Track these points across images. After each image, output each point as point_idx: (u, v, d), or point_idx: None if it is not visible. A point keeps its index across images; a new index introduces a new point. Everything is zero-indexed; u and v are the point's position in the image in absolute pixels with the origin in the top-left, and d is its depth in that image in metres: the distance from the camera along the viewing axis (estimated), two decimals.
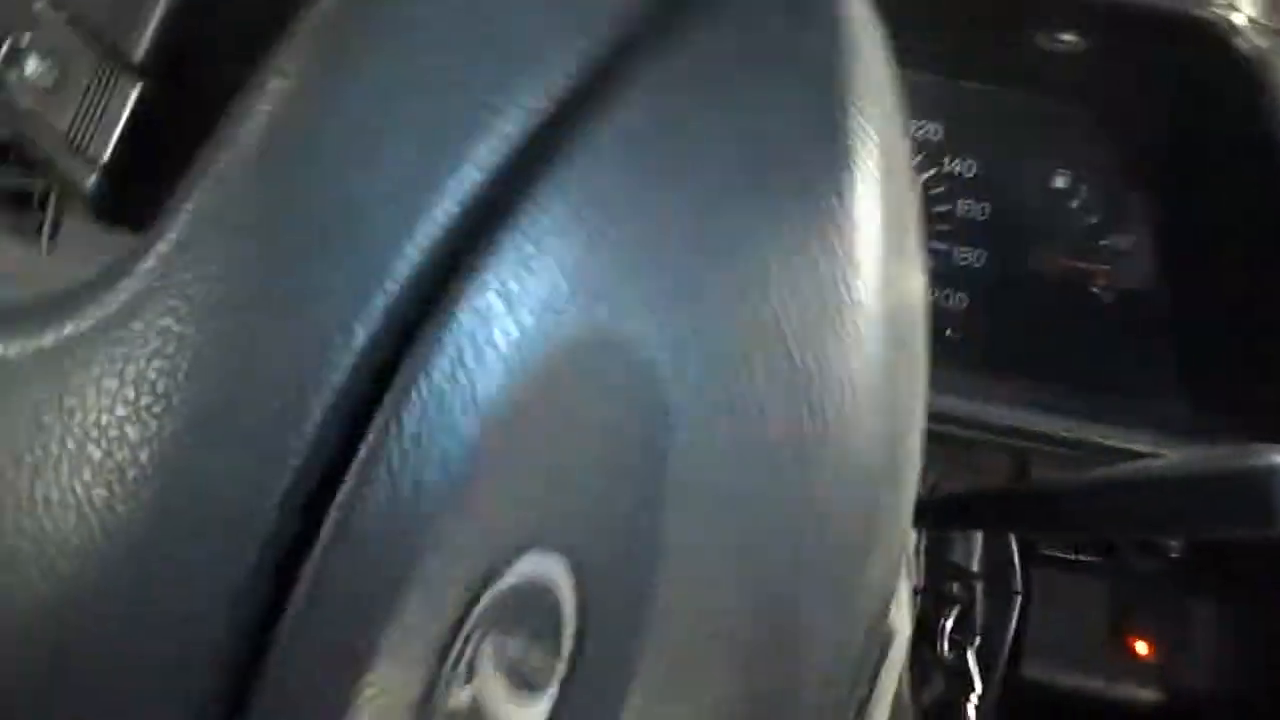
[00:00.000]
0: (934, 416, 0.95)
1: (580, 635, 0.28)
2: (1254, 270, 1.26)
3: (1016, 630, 1.35)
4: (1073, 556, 1.37)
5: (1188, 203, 1.36)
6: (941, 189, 1.46)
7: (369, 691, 0.25)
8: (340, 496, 0.25)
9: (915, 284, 0.40)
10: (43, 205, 1.18)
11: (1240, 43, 1.13)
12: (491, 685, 0.27)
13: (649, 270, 0.29)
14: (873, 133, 0.34)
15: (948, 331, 1.43)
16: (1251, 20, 1.12)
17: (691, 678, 0.31)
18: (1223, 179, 1.26)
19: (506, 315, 0.27)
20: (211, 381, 0.26)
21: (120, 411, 0.27)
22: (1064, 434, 1.26)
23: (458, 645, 0.26)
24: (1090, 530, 1.12)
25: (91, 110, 1.26)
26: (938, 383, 1.18)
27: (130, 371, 0.27)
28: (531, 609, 0.27)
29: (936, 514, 0.79)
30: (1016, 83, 1.43)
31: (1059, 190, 1.46)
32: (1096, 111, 1.40)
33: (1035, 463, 1.34)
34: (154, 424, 0.26)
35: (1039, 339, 1.45)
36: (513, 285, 0.27)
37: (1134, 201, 1.45)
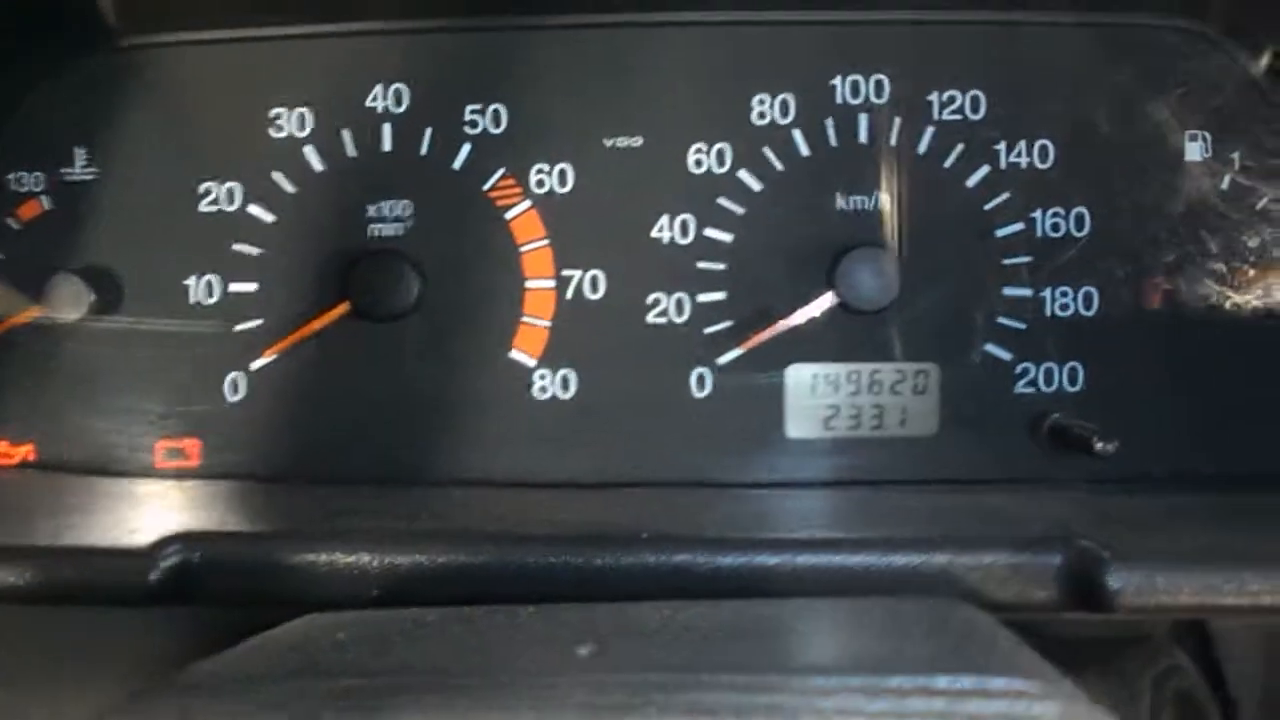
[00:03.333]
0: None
1: None
2: None
3: None
4: None
5: None
6: (1002, 197, 0.88)
7: None
8: None
9: None
10: None
11: None
12: None
13: None
14: None
15: (1079, 433, 0.84)
16: None
17: None
18: None
19: None
20: None
21: None
22: None
23: None
24: None
25: None
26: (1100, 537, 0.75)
27: None
28: None
29: None
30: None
31: (1196, 167, 0.88)
32: (1244, 30, 0.84)
33: None
34: None
35: (1206, 415, 0.87)
36: None
37: None
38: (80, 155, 0.94)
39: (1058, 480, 0.89)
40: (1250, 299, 0.89)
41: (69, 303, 0.92)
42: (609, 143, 0.92)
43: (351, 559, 0.76)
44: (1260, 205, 0.89)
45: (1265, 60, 0.89)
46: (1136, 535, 0.77)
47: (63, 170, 0.94)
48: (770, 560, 0.76)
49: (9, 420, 0.95)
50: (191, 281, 0.93)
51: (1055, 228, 0.91)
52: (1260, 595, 0.70)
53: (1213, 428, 0.89)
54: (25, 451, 0.95)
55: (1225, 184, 0.89)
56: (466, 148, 0.92)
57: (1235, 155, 0.89)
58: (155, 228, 0.94)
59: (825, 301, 0.90)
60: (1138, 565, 0.72)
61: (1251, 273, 0.88)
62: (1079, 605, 0.73)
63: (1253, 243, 0.89)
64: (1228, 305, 0.89)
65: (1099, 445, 0.84)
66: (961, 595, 0.74)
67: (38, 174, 0.94)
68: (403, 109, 0.93)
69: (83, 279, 0.91)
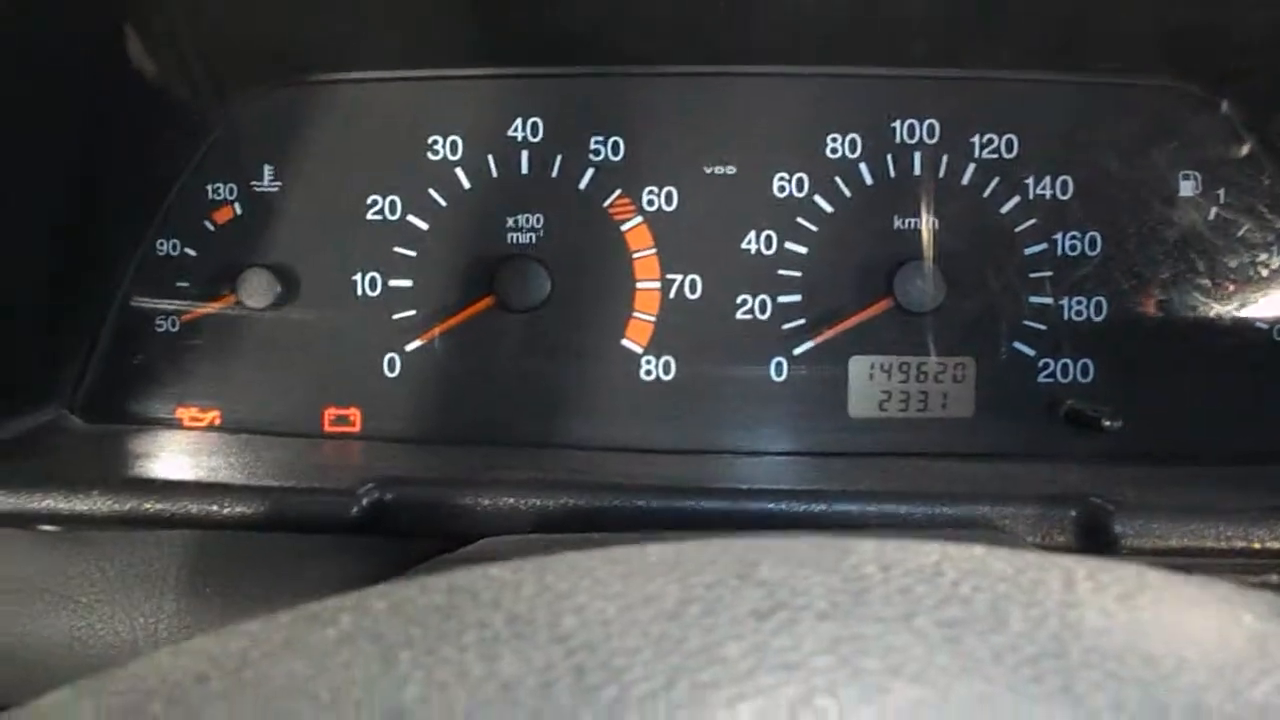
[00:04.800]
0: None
1: None
2: None
3: None
4: None
5: None
6: (1033, 224, 1.07)
7: None
8: None
9: None
10: None
11: None
12: None
13: None
14: None
15: (1088, 418, 1.01)
16: None
17: None
18: None
19: None
20: None
21: None
22: None
23: None
24: None
25: None
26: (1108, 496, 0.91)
27: None
28: None
29: None
30: (1111, 63, 1.03)
31: (1191, 202, 1.07)
32: (1224, 88, 1.02)
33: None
34: None
35: (1201, 403, 1.05)
36: None
37: None
38: (268, 170, 1.12)
39: (1074, 454, 1.08)
40: (1231, 309, 1.08)
41: (258, 292, 1.10)
42: (708, 170, 1.10)
43: (510, 501, 0.94)
44: (1240, 233, 1.08)
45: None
46: (1137, 494, 0.95)
47: (252, 182, 1.12)
48: (842, 507, 0.94)
49: (200, 390, 1.13)
50: (358, 277, 1.12)
51: (1073, 248, 1.10)
52: (1234, 540, 0.89)
53: (1199, 412, 1.08)
54: (213, 416, 1.13)
55: (1211, 215, 1.08)
56: (590, 171, 1.11)
57: (1220, 192, 1.08)
58: (329, 232, 1.12)
59: (883, 304, 1.09)
60: (1137, 516, 0.91)
61: (1232, 288, 1.07)
62: (1091, 549, 0.91)
63: (1233, 263, 1.08)
64: (1212, 314, 1.08)
65: (1106, 423, 1.03)
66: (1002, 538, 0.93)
67: (231, 185, 1.12)
68: (538, 139, 1.11)
69: (270, 273, 1.10)
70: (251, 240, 1.12)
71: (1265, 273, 1.07)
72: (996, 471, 1.05)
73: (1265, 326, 1.08)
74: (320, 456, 1.07)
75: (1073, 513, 0.92)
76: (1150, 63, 1.08)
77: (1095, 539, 0.91)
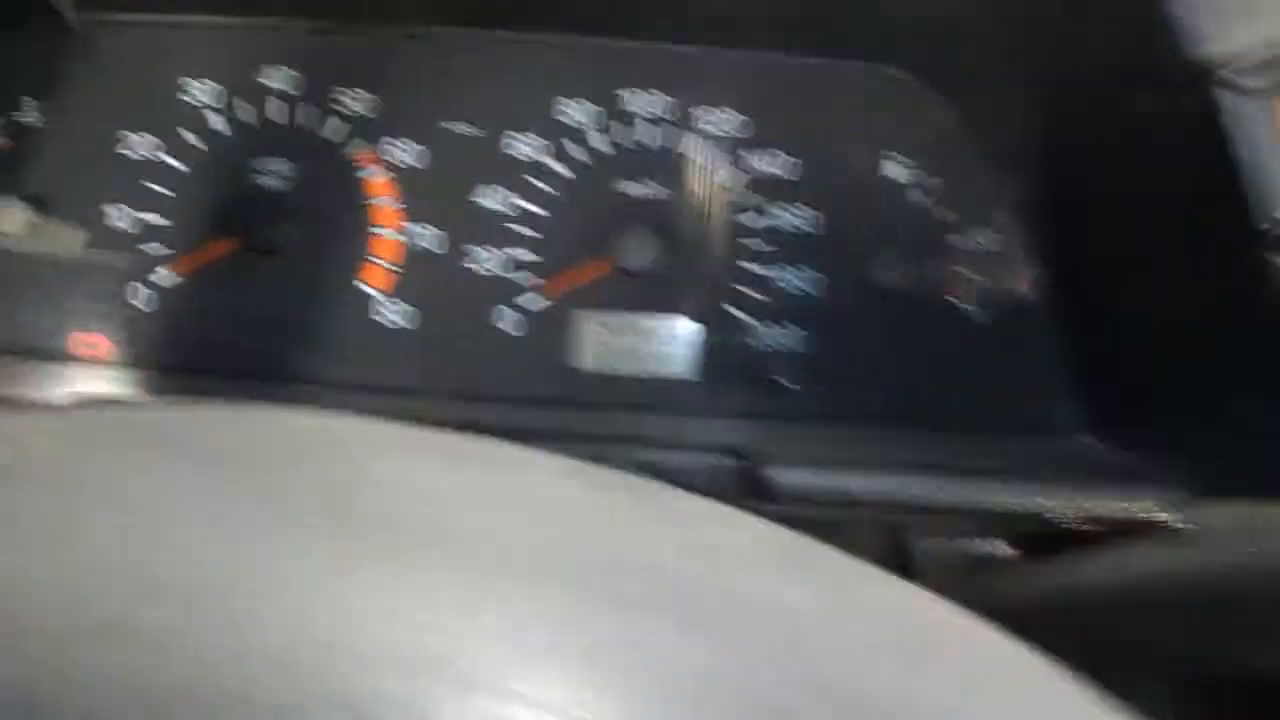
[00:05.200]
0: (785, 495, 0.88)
1: None
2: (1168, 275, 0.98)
3: None
4: None
5: (1075, 189, 1.07)
6: (752, 198, 1.14)
7: None
8: None
9: None
10: None
11: None
12: None
13: None
14: None
15: (782, 381, 1.09)
16: None
17: None
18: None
19: None
20: None
21: None
22: (948, 499, 0.96)
23: None
24: None
25: None
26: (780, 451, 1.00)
27: None
28: None
29: None
30: (838, 49, 1.10)
31: (900, 184, 1.15)
32: (942, 80, 1.10)
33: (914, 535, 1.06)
34: None
35: (898, 376, 1.13)
36: None
37: (995, 190, 1.15)
38: (28, 102, 1.16)
39: (775, 415, 1.15)
40: (932, 287, 1.16)
41: (13, 221, 1.14)
42: (452, 128, 1.16)
43: None
44: (942, 217, 1.16)
45: None
46: (808, 449, 1.04)
47: (13, 114, 1.16)
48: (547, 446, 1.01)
49: None
50: (110, 210, 1.15)
51: (793, 224, 1.17)
52: (862, 495, 0.98)
53: (894, 383, 1.15)
54: None
55: (920, 199, 1.16)
56: (340, 123, 1.16)
57: (927, 177, 1.15)
58: (84, 166, 1.15)
59: (607, 265, 1.16)
60: (796, 468, 0.99)
61: (931, 265, 1.16)
62: (752, 496, 0.99)
63: (940, 245, 1.16)
64: (918, 293, 1.16)
65: (788, 385, 1.11)
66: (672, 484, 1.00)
67: None
68: (290, 89, 1.15)
69: (26, 203, 1.14)
70: (10, 171, 1.16)
71: (968, 256, 1.16)
72: (699, 426, 1.13)
73: (965, 307, 1.16)
74: (65, 379, 1.11)
75: (741, 463, 1.00)
76: (875, 50, 1.15)
77: (755, 488, 0.99)
